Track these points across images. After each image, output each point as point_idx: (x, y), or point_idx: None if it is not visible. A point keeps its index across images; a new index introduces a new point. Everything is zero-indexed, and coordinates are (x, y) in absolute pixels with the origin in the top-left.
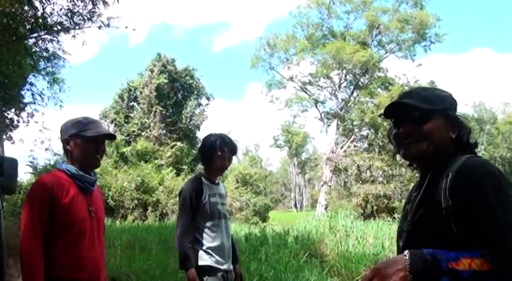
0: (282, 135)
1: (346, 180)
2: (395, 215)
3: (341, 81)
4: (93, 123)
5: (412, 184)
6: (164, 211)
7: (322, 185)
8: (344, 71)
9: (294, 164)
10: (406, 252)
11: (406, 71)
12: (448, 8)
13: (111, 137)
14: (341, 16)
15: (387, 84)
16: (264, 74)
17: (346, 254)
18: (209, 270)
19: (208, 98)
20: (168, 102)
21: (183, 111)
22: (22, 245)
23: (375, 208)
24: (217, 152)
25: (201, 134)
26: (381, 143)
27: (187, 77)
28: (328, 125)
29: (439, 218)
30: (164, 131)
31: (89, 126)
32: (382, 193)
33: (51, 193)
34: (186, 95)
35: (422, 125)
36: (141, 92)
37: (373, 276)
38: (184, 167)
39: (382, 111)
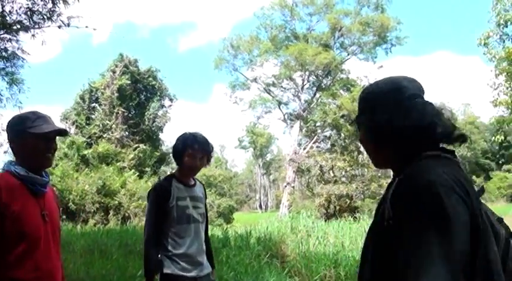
0: (246, 136)
1: (309, 180)
2: (357, 215)
3: (304, 83)
4: (43, 119)
5: (374, 184)
6: (126, 215)
7: (286, 186)
8: (307, 73)
9: (259, 165)
10: None
11: (367, 73)
12: (410, 11)
13: (63, 133)
14: (304, 18)
15: (349, 86)
16: (228, 75)
17: (306, 254)
18: (173, 279)
19: (171, 99)
20: (130, 104)
21: (146, 113)
22: None
23: (338, 207)
24: (187, 151)
25: (164, 136)
26: (343, 144)
27: (150, 78)
28: (291, 126)
29: (379, 231)
30: (126, 133)
31: (38, 122)
32: (344, 193)
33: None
34: (149, 96)
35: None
36: (102, 93)
37: None
38: (147, 169)
39: (344, 112)
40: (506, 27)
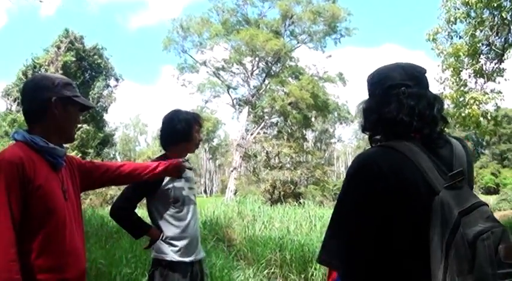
0: None
1: (255, 166)
2: (302, 200)
3: (253, 69)
4: (76, 89)
5: (318, 171)
6: None
7: (232, 171)
8: (257, 59)
9: (205, 150)
10: None
11: (316, 62)
12: (361, 3)
13: (89, 108)
14: (256, 3)
15: (298, 74)
16: (177, 57)
17: (253, 238)
18: (171, 264)
19: (117, 79)
20: (74, 82)
21: (90, 92)
22: None
23: (282, 193)
24: (195, 126)
25: (108, 117)
26: (289, 131)
27: (96, 56)
28: (240, 112)
29: None
30: None
31: (76, 90)
32: (289, 179)
33: (22, 173)
34: (94, 75)
35: None
36: (46, 70)
37: None
38: (90, 150)
39: (292, 99)
40: (455, 24)
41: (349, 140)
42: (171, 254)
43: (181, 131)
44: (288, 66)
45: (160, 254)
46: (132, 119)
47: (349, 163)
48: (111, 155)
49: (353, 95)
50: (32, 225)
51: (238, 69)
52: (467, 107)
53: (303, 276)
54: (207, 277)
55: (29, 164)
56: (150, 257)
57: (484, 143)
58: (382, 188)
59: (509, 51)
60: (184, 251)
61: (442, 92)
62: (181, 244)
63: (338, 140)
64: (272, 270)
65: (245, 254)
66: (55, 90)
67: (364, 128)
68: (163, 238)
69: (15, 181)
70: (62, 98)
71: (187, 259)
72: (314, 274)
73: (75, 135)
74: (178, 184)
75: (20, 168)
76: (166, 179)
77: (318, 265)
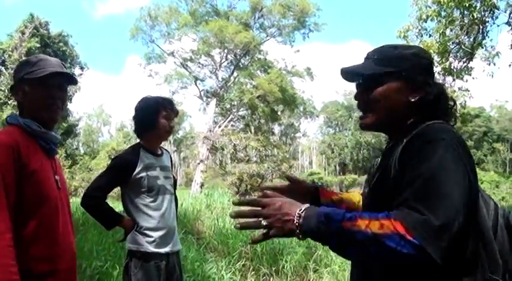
0: None
1: (221, 159)
2: None
3: (222, 61)
4: (44, 62)
5: (285, 164)
6: None
7: (199, 164)
8: (226, 51)
9: (170, 142)
10: (304, 207)
11: (284, 56)
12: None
13: (71, 80)
14: None
15: (266, 67)
16: (144, 47)
17: (222, 231)
18: (146, 255)
19: (82, 68)
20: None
21: None
22: None
23: (249, 186)
24: (161, 112)
25: (72, 106)
26: (257, 124)
27: (61, 43)
28: (207, 104)
29: (387, 183)
30: None
31: (38, 65)
32: (256, 172)
33: (17, 156)
34: None
35: (370, 92)
36: (9, 56)
37: (264, 206)
38: None
39: (260, 92)
40: (426, 22)
41: (314, 135)
42: (145, 245)
43: (147, 120)
44: (256, 59)
45: (134, 245)
46: (95, 110)
47: (314, 158)
48: (75, 146)
49: (318, 91)
50: (25, 211)
51: (206, 60)
52: None
53: (273, 268)
54: (182, 271)
55: (24, 148)
56: (119, 250)
57: None
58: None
59: (478, 50)
60: (160, 242)
61: None
62: (156, 234)
63: (303, 135)
64: (243, 262)
65: (215, 247)
66: (17, 77)
67: (376, 120)
68: (138, 229)
69: (10, 165)
70: (19, 81)
71: (162, 250)
72: (285, 266)
73: (57, 114)
74: (152, 172)
75: (15, 151)
76: (139, 166)
77: (289, 257)
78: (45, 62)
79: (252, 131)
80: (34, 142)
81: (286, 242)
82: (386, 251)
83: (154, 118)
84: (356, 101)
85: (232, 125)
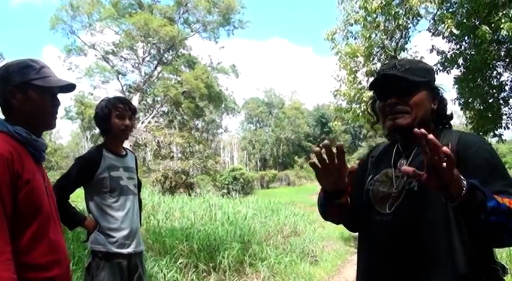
0: (74, 106)
1: (145, 156)
2: (197, 190)
3: (145, 55)
4: (48, 69)
5: (210, 161)
6: None
7: None
8: (149, 45)
9: (87, 138)
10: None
11: (209, 52)
12: None
13: (71, 88)
14: None
15: (191, 63)
16: (64, 38)
17: (156, 229)
18: (107, 256)
19: None
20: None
21: None
22: None
23: (174, 183)
24: (113, 112)
25: None
26: (181, 120)
27: None
28: (130, 99)
29: None
30: None
31: (44, 72)
32: (181, 169)
33: (11, 167)
34: None
35: (409, 97)
36: None
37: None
38: None
39: (186, 88)
40: (351, 26)
41: (235, 131)
42: (107, 245)
43: (101, 121)
44: (181, 54)
45: (96, 246)
46: None
47: (235, 154)
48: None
49: (239, 87)
50: (21, 221)
51: (128, 54)
52: (363, 104)
53: (211, 265)
54: (144, 271)
55: (17, 157)
56: (77, 250)
57: (362, 136)
58: None
59: (399, 54)
60: (122, 243)
61: (338, 89)
62: (119, 235)
63: (225, 131)
64: (180, 260)
65: (150, 246)
66: (9, 78)
67: (415, 121)
68: (100, 229)
69: (5, 176)
70: (18, 85)
71: (125, 251)
72: (222, 262)
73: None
74: (115, 173)
75: (9, 161)
76: (102, 167)
77: (226, 252)
78: (48, 70)
79: (176, 127)
80: (23, 149)
81: (222, 238)
82: None
83: (107, 119)
84: (385, 104)
85: (156, 121)
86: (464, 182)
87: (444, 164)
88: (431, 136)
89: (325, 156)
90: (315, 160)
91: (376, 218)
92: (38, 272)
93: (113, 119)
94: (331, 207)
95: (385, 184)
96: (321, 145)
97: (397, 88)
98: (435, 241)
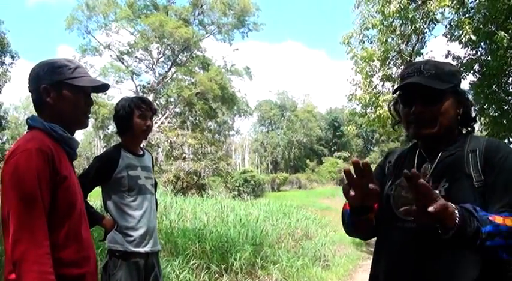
0: None
1: (157, 156)
2: (209, 191)
3: (159, 56)
4: (83, 69)
5: (223, 162)
6: None
7: None
8: (164, 46)
9: (100, 138)
10: (453, 205)
11: (223, 54)
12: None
13: (104, 89)
14: None
15: (206, 65)
16: (79, 38)
17: (168, 229)
18: (125, 255)
19: (13, 57)
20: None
21: None
22: (19, 249)
23: (185, 184)
24: (136, 112)
25: (2, 98)
26: (194, 122)
27: None
28: None
29: (469, 190)
30: None
31: (79, 72)
32: (192, 170)
33: (51, 163)
34: None
35: (435, 106)
36: None
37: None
38: None
39: (199, 89)
40: (367, 30)
41: (247, 133)
42: (125, 244)
43: (122, 120)
44: (195, 56)
45: (114, 245)
46: (22, 101)
47: (246, 156)
48: (4, 140)
49: (252, 89)
50: (57, 218)
51: (143, 55)
52: (378, 109)
53: (223, 266)
54: (160, 271)
55: (56, 154)
56: (99, 249)
57: (374, 141)
58: None
59: (415, 59)
60: (140, 242)
61: (353, 93)
62: (136, 234)
63: (237, 133)
64: (193, 261)
65: (162, 246)
66: (44, 77)
67: (440, 130)
68: (117, 228)
69: (46, 171)
70: (52, 84)
71: (142, 250)
72: (234, 263)
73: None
74: (133, 172)
75: (50, 158)
76: (120, 166)
77: (238, 254)
78: (82, 70)
79: (189, 128)
80: (58, 146)
81: (234, 240)
82: None
83: (129, 119)
84: (409, 112)
85: (169, 122)
86: (457, 212)
87: (431, 208)
88: (421, 181)
89: (353, 172)
90: (350, 168)
91: (398, 224)
92: (70, 269)
93: (134, 118)
94: (359, 222)
95: (407, 188)
96: (350, 161)
97: (423, 96)
98: (462, 250)
